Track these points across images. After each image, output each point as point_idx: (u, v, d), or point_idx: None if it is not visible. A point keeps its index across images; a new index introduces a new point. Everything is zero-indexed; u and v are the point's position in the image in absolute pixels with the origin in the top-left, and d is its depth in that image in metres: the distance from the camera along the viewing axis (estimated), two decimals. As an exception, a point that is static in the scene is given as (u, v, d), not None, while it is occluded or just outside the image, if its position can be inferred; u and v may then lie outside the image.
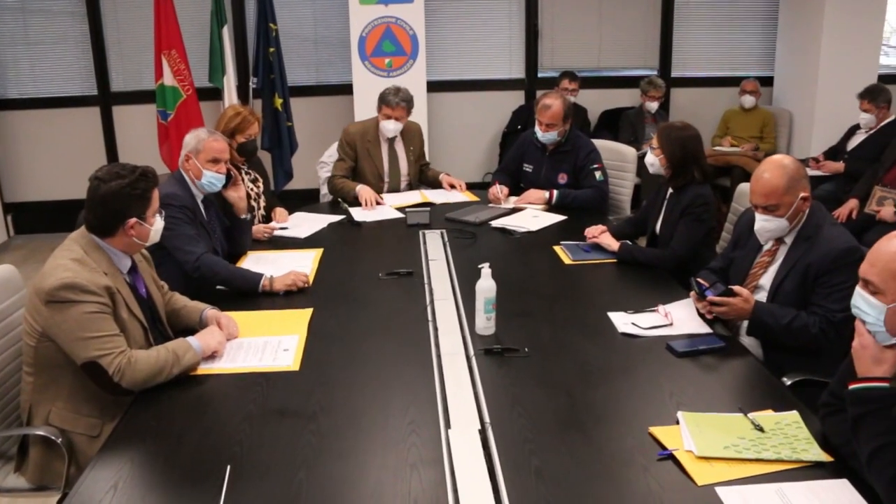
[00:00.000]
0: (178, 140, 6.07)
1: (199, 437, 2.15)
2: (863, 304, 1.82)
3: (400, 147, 4.89)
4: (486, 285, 2.71)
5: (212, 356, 2.60)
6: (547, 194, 4.48)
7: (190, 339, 2.59)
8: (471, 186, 5.02)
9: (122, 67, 6.94)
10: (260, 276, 3.24)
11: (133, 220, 2.56)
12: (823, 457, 1.94)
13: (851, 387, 1.83)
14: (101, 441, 2.47)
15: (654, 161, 3.57)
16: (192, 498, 1.88)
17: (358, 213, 4.38)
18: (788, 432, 2.04)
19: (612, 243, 3.55)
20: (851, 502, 1.77)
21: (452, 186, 4.90)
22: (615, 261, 3.51)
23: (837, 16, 6.54)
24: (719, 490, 1.82)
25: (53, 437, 2.47)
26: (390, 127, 4.72)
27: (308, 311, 2.98)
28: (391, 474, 1.94)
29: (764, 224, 2.75)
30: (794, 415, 2.13)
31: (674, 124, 3.58)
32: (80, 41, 6.84)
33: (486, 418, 2.18)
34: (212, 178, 3.39)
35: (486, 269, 2.73)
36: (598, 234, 3.67)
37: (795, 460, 1.93)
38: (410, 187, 4.97)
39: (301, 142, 6.69)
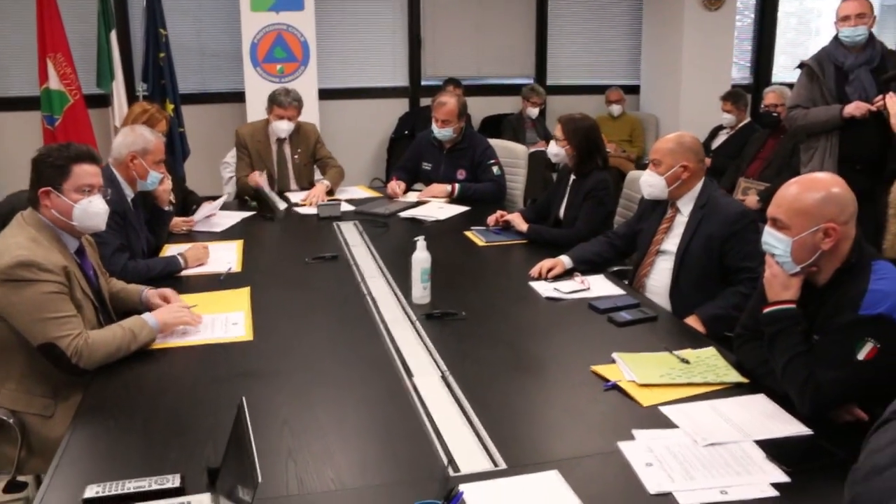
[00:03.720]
0: (66, 146, 5.95)
1: (173, 400, 2.22)
2: (772, 239, 2.16)
3: (287, 150, 4.98)
4: (421, 256, 2.93)
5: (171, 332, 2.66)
6: (449, 188, 4.73)
7: (146, 315, 2.61)
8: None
9: (-2, 73, 6.74)
10: (174, 256, 3.42)
11: (47, 188, 2.54)
12: (742, 379, 2.26)
13: (766, 310, 2.16)
14: (55, 421, 2.49)
15: (558, 151, 3.88)
16: (184, 445, 1.97)
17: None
18: (709, 363, 2.36)
19: (522, 224, 3.83)
20: (771, 409, 2.09)
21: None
22: (525, 242, 3.79)
23: (695, 30, 7.21)
24: (662, 409, 2.10)
25: (5, 418, 2.44)
26: (283, 127, 4.82)
27: (246, 290, 3.09)
28: (369, 415, 2.13)
29: (646, 178, 3.17)
30: (710, 349, 2.46)
31: (574, 116, 3.90)
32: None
33: (443, 367, 2.39)
34: (155, 178, 3.48)
35: (421, 242, 2.95)
36: (500, 218, 3.94)
37: (720, 382, 2.24)
38: (303, 189, 5.00)
39: (192, 148, 6.68)
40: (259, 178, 4.68)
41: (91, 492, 1.75)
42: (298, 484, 1.79)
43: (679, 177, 3.09)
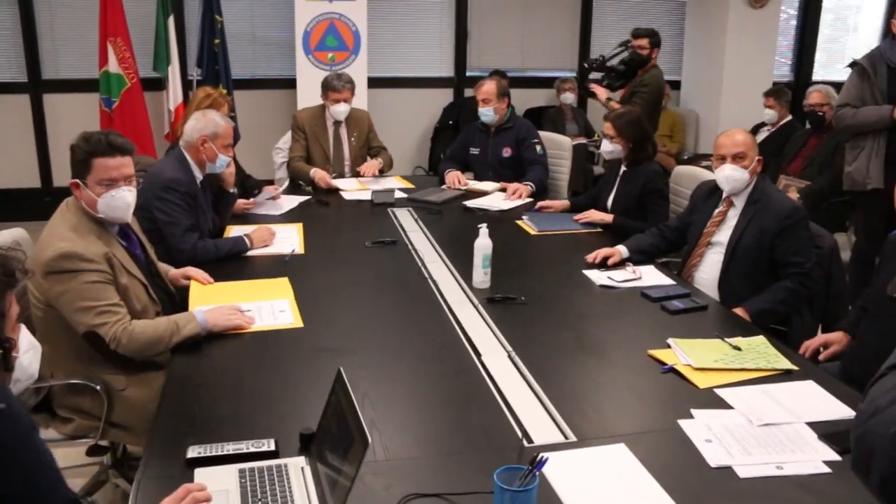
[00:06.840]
0: (123, 127, 6.17)
1: (252, 376, 2.33)
2: None
3: (344, 133, 5.15)
4: (483, 242, 3.07)
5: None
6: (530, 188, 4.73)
7: (196, 310, 2.63)
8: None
9: (55, 56, 6.92)
10: (241, 237, 3.54)
11: (75, 181, 2.58)
12: (792, 366, 2.39)
13: None
14: (127, 395, 2.60)
15: (612, 148, 3.99)
16: (270, 414, 2.12)
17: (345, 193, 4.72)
18: (760, 350, 2.50)
19: (606, 217, 3.98)
20: (820, 394, 2.23)
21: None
22: (575, 231, 3.94)
23: (739, 27, 7.25)
24: (718, 391, 2.24)
25: (94, 385, 2.54)
26: (341, 109, 5.00)
27: (284, 279, 3.10)
28: (443, 390, 2.29)
29: (731, 174, 3.19)
30: (760, 338, 2.59)
31: (618, 112, 4.04)
32: (9, 29, 6.78)
33: (509, 348, 2.54)
34: (223, 161, 3.62)
35: (483, 229, 3.09)
36: (581, 219, 4.05)
37: (771, 369, 2.38)
38: (356, 173, 5.11)
39: (242, 133, 6.85)
40: (329, 179, 4.84)
41: (194, 452, 1.89)
42: (384, 450, 1.94)
43: (756, 171, 3.21)
